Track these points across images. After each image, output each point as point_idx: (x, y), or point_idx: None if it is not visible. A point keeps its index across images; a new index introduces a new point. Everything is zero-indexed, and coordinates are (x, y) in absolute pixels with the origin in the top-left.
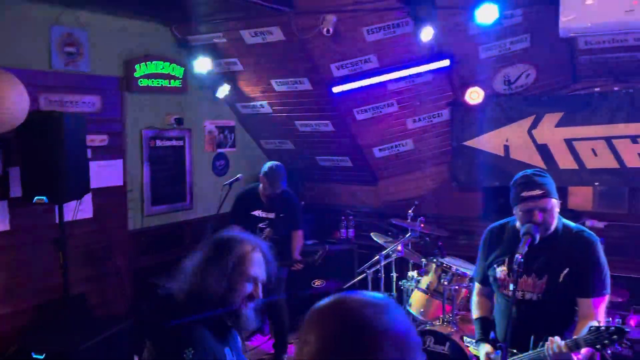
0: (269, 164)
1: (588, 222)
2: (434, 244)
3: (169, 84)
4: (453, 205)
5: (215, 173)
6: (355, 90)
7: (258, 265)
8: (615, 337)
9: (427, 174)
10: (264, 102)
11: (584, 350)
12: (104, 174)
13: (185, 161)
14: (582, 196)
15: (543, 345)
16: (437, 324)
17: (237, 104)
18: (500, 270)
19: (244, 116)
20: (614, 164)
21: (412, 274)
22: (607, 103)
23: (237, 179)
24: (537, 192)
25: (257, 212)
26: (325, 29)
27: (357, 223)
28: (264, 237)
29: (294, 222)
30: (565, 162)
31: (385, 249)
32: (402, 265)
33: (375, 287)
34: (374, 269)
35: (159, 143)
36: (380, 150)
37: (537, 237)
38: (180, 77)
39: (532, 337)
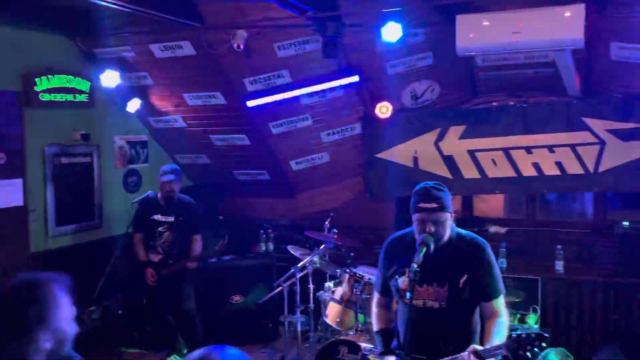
0: (164, 167)
1: (491, 229)
2: (348, 254)
3: (74, 98)
4: (367, 215)
5: (127, 190)
6: (269, 105)
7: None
8: (537, 342)
9: (342, 186)
10: (178, 117)
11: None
12: (2, 194)
13: (94, 178)
14: (493, 203)
15: (452, 352)
16: (351, 333)
17: (149, 118)
18: (402, 281)
19: (156, 131)
20: (512, 173)
21: (329, 284)
22: (504, 116)
23: (147, 196)
24: (433, 205)
25: (156, 216)
26: (236, 44)
27: (276, 236)
28: (163, 241)
29: (192, 226)
30: (469, 172)
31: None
32: (319, 277)
33: (292, 300)
34: (290, 282)
35: (64, 160)
36: (297, 163)
37: (432, 246)
38: (87, 91)
39: (440, 343)
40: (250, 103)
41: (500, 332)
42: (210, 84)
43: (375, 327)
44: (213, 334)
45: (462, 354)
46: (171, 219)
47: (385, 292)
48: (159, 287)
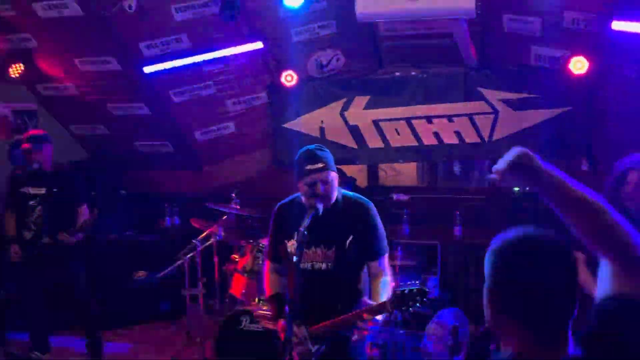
0: (31, 132)
1: (395, 196)
2: (253, 226)
3: None
4: (276, 187)
5: (13, 163)
6: (168, 71)
7: None
8: (418, 297)
9: (250, 157)
10: (69, 84)
11: (380, 317)
12: None
13: None
14: (407, 173)
15: (342, 311)
16: (254, 303)
17: (36, 85)
18: (290, 244)
19: (46, 99)
20: (414, 142)
21: (235, 256)
22: (406, 87)
23: (33, 169)
24: (319, 165)
25: (25, 189)
26: (127, 5)
27: (181, 210)
28: (35, 217)
29: (73, 197)
30: (374, 141)
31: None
32: (226, 250)
33: (193, 273)
34: (190, 255)
35: None
36: (202, 133)
37: (321, 208)
38: None
39: (327, 303)
40: (148, 69)
41: (385, 291)
42: (103, 48)
43: (266, 293)
44: (114, 313)
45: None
46: (42, 190)
47: (276, 258)
48: (36, 267)
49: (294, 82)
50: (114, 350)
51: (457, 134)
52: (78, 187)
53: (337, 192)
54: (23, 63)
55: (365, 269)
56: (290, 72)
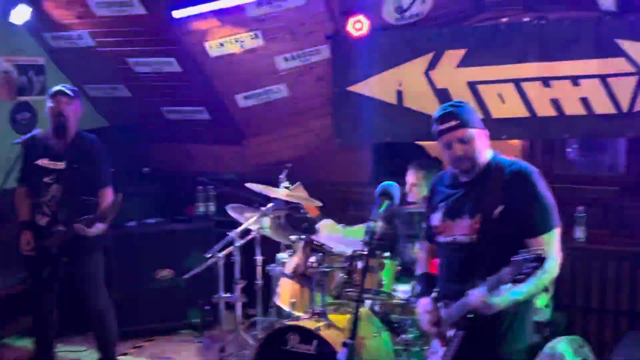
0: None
1: None
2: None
3: None
4: (337, 167)
5: (16, 130)
6: (203, 16)
7: None
8: (534, 264)
9: (305, 129)
10: (83, 32)
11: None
12: None
13: None
14: (512, 153)
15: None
16: (305, 317)
17: (45, 35)
18: (434, 217)
19: (56, 51)
20: (524, 113)
21: (282, 256)
22: (516, 37)
23: (33, 135)
24: (452, 123)
25: (41, 161)
26: None
27: (218, 194)
28: (49, 198)
29: (96, 176)
30: None
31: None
32: (271, 247)
33: (229, 275)
34: (226, 252)
35: None
36: (245, 97)
37: (396, 199)
38: None
39: (471, 283)
40: (177, 13)
41: (539, 279)
42: None
43: (417, 271)
44: (132, 321)
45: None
46: (61, 165)
47: (429, 236)
48: (48, 261)
49: (364, 32)
50: None
51: (584, 102)
52: (103, 165)
53: (487, 155)
54: (30, 6)
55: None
56: (360, 17)
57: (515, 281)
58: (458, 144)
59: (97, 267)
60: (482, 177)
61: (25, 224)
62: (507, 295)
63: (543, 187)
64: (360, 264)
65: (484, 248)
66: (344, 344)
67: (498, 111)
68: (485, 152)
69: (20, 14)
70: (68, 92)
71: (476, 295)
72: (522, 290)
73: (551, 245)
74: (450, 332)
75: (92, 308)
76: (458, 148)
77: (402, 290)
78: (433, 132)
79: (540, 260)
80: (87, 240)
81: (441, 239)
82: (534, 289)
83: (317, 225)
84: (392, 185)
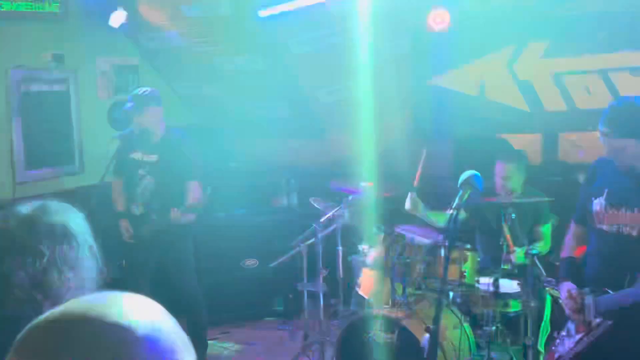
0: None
1: (582, 178)
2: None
3: (43, 8)
4: (417, 161)
5: (114, 127)
6: (287, 14)
7: None
8: None
9: (386, 124)
10: (174, 32)
11: None
12: None
13: (71, 111)
14: (598, 147)
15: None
16: (386, 307)
17: (139, 36)
18: (597, 203)
19: (150, 52)
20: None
21: (364, 246)
22: (604, 25)
23: (130, 131)
24: (607, 129)
25: (136, 154)
26: None
27: (301, 187)
28: (142, 189)
29: (186, 169)
30: (553, 102)
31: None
32: (353, 238)
33: (312, 265)
34: (309, 242)
35: (34, 88)
36: (327, 93)
37: (480, 189)
38: None
39: (628, 276)
40: (264, 13)
41: None
42: None
43: (563, 253)
44: (220, 308)
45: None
46: (153, 157)
47: (582, 219)
48: (143, 248)
49: (444, 25)
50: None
51: None
52: (191, 159)
53: None
54: (126, 10)
55: None
56: (440, 10)
57: None
58: (614, 152)
59: (187, 254)
60: None
61: (122, 214)
62: None
63: None
64: (442, 254)
65: None
66: (427, 329)
67: (584, 102)
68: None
69: (118, 18)
70: (134, 105)
71: None
72: None
73: None
74: (597, 320)
75: (184, 293)
76: (615, 157)
77: (484, 282)
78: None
79: None
80: (179, 228)
81: (602, 226)
82: None
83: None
84: (475, 175)
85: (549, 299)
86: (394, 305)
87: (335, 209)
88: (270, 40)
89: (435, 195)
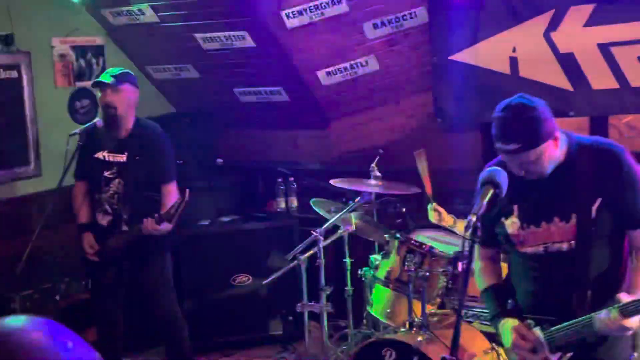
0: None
1: None
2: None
3: None
4: (438, 151)
5: (75, 120)
6: None
7: None
8: None
9: (400, 109)
10: (144, 6)
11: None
12: None
13: (24, 102)
14: None
15: (595, 307)
16: (403, 330)
17: (103, 11)
18: (511, 223)
19: (117, 29)
20: None
21: (376, 257)
22: None
23: (92, 125)
24: (513, 146)
25: (100, 154)
26: None
27: (301, 187)
28: (110, 194)
29: (159, 170)
30: (601, 79)
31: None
32: (362, 247)
33: (314, 280)
34: (309, 254)
35: None
36: (328, 74)
37: (504, 189)
38: None
39: (575, 297)
40: None
41: None
42: None
43: (481, 284)
44: (207, 334)
45: (600, 313)
46: (122, 157)
47: (490, 241)
48: (111, 265)
49: None
50: None
51: None
52: (167, 158)
53: (563, 147)
54: None
55: (627, 245)
56: None
57: None
58: (518, 168)
59: (164, 272)
60: (564, 167)
61: (85, 226)
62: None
63: (636, 165)
64: (460, 267)
65: (586, 253)
66: (529, 322)
67: (638, 79)
68: (556, 151)
69: None
70: (109, 81)
71: (608, 318)
72: None
73: None
74: (555, 357)
75: (161, 318)
76: (519, 171)
77: None
78: (493, 139)
79: None
80: (153, 241)
81: (524, 249)
82: None
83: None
84: (499, 172)
85: None
86: (411, 327)
87: (339, 214)
88: (259, 12)
89: (468, 192)
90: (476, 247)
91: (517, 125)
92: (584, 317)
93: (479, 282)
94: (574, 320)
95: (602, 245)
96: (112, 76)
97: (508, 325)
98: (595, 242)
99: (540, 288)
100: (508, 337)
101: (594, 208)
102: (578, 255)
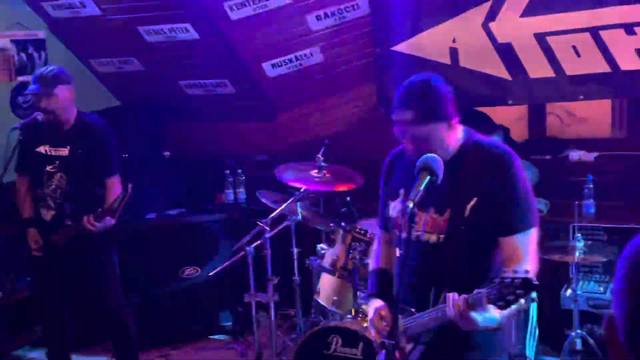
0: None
1: (571, 155)
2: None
3: None
4: (383, 141)
5: (17, 115)
6: None
7: None
8: (520, 291)
9: (345, 99)
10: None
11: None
12: None
13: None
14: (593, 119)
15: (444, 301)
16: (349, 317)
17: (43, 3)
18: (393, 207)
19: (58, 22)
20: (604, 67)
21: (322, 246)
22: None
23: (33, 119)
24: (406, 115)
25: (42, 148)
26: None
27: (248, 179)
28: (53, 189)
29: (102, 164)
30: (538, 68)
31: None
32: (308, 237)
33: (261, 271)
34: (256, 244)
35: None
36: (274, 65)
37: (440, 174)
38: None
39: (433, 290)
40: None
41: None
42: None
43: (371, 265)
44: (156, 327)
45: (444, 305)
46: (64, 151)
47: (386, 225)
48: (55, 261)
49: None
50: None
51: None
52: (110, 151)
53: (459, 139)
54: None
55: (498, 251)
56: None
57: (497, 305)
58: (409, 140)
59: (111, 266)
60: (452, 164)
61: (29, 221)
62: (484, 317)
63: (524, 177)
64: (398, 253)
65: (452, 250)
66: (382, 345)
67: (573, 67)
68: (450, 140)
69: None
70: (39, 91)
71: (456, 307)
72: (496, 318)
73: (528, 246)
74: (409, 346)
75: (107, 312)
76: (409, 145)
77: None
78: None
79: (528, 286)
80: (98, 235)
81: (403, 234)
82: (513, 314)
83: None
84: (435, 159)
85: (534, 306)
86: (357, 314)
87: (286, 203)
88: (202, 5)
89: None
90: (378, 232)
91: (414, 95)
92: (439, 306)
93: (371, 263)
94: (430, 310)
95: (472, 246)
96: (43, 82)
97: (373, 305)
98: (463, 241)
99: (410, 276)
100: (370, 315)
101: (469, 206)
102: (444, 250)
